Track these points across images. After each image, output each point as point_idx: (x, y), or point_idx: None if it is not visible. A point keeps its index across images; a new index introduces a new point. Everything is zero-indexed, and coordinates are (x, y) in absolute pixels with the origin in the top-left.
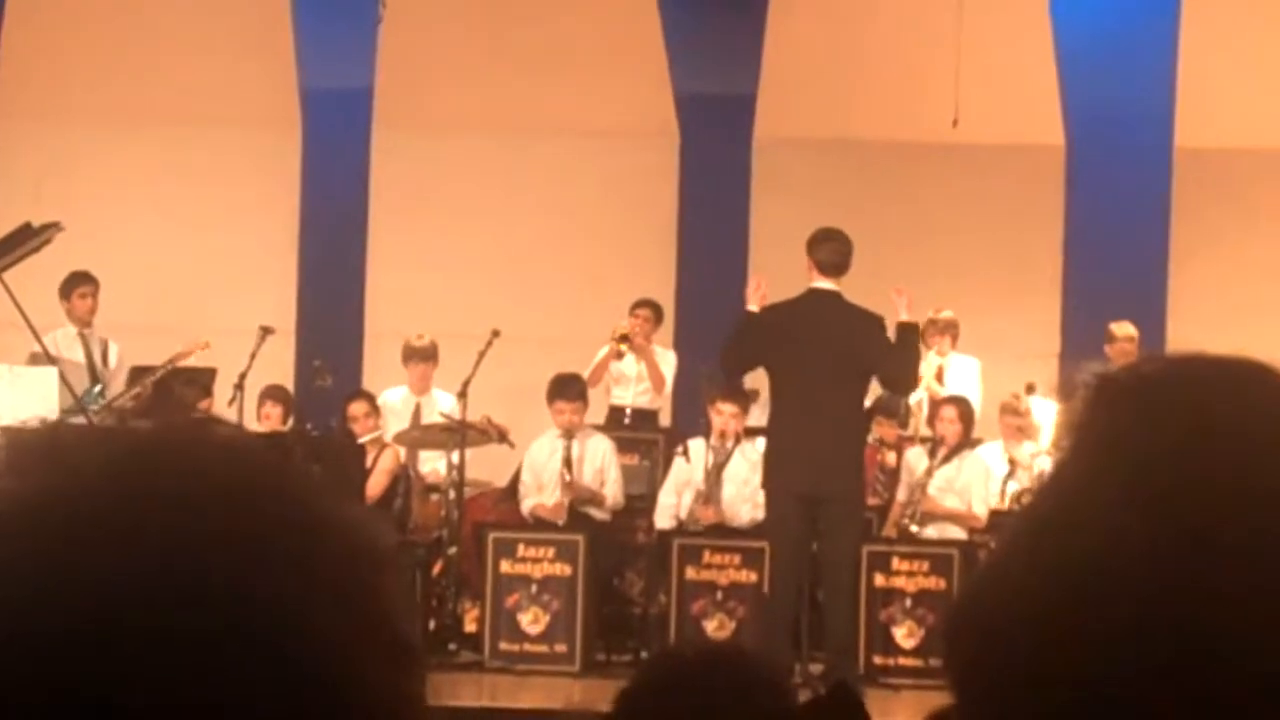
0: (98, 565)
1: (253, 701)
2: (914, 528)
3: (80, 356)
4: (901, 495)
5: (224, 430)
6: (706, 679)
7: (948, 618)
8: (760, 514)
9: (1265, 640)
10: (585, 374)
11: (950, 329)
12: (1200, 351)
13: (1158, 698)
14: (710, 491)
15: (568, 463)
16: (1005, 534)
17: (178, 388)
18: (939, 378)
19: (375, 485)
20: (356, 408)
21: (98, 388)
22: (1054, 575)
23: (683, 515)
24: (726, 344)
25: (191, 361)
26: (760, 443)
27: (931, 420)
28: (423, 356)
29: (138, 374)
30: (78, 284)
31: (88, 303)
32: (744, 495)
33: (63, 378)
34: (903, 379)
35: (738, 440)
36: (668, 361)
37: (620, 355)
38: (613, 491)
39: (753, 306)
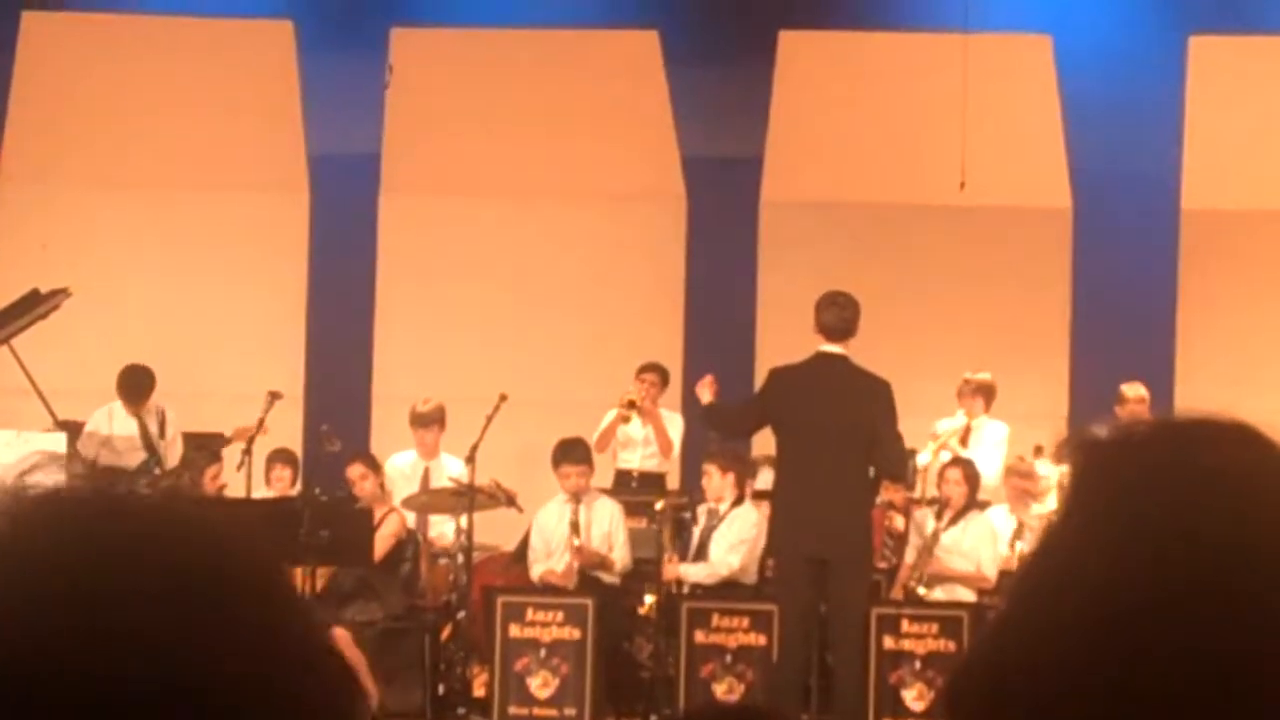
0: (35, 622)
1: None
2: (921, 590)
3: (134, 429)
4: (909, 557)
5: (182, 497)
6: None
7: (947, 683)
8: (735, 563)
9: (1267, 691)
10: (593, 438)
11: (984, 391)
12: (1186, 413)
13: None
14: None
15: (575, 526)
16: (1004, 599)
17: (188, 453)
18: (963, 440)
19: (378, 550)
20: (353, 470)
21: (154, 459)
22: (1051, 635)
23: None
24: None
25: (203, 428)
26: (746, 508)
27: (938, 482)
28: (428, 422)
29: (190, 441)
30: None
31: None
32: (726, 548)
33: (72, 443)
34: (892, 462)
35: (738, 502)
36: (675, 425)
37: (628, 419)
38: (621, 555)
39: (705, 398)
